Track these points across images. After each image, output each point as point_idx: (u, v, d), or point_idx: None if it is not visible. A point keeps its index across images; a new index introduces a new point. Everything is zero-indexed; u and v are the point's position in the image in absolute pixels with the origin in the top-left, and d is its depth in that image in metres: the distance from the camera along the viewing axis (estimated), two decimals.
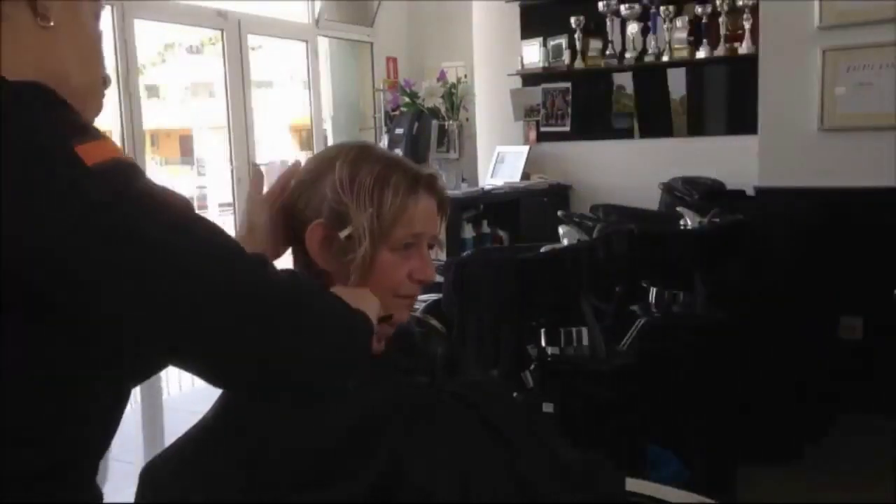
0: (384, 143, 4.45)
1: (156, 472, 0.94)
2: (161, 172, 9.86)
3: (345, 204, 1.02)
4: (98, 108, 0.91)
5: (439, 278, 2.22)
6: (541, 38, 4.76)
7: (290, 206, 1.08)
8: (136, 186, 0.75)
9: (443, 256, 3.78)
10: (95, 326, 0.75)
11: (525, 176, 4.62)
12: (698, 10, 4.20)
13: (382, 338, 1.12)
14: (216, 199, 6.33)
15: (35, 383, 0.75)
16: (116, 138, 4.67)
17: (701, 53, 4.22)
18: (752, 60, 3.67)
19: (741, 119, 4.09)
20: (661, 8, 4.28)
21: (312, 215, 1.04)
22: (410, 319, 1.19)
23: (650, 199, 3.75)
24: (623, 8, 4.39)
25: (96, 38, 0.91)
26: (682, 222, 2.68)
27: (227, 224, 5.17)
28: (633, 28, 4.43)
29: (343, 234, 1.02)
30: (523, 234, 4.25)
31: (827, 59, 3.22)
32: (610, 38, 4.53)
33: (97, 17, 0.92)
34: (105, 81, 0.93)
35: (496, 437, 1.06)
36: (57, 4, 0.83)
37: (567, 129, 4.81)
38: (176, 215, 0.77)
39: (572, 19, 4.53)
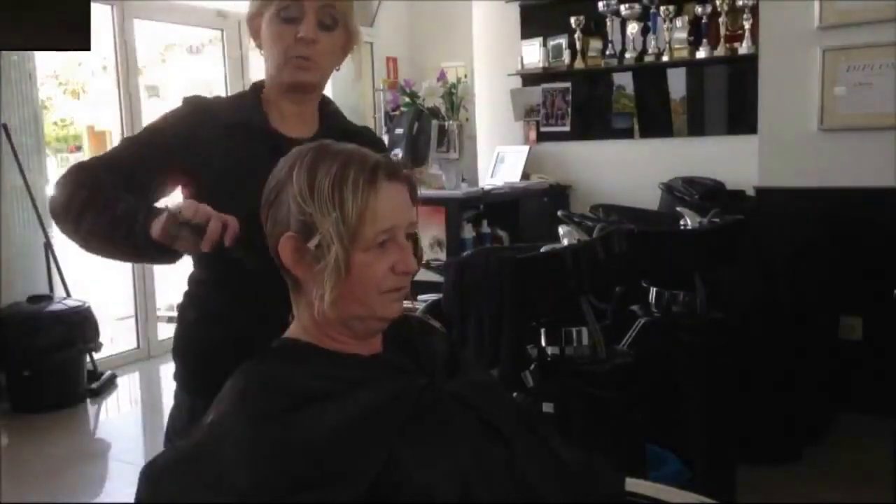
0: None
1: (156, 472, 0.94)
2: None
3: (308, 213, 1.00)
4: (288, 77, 1.34)
5: (439, 278, 2.22)
6: (541, 38, 4.76)
7: (263, 224, 1.08)
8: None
9: (443, 256, 3.79)
10: None
11: (525, 176, 4.63)
12: (698, 10, 4.20)
13: (378, 333, 1.10)
14: None
15: None
16: (116, 138, 4.67)
17: (701, 53, 4.22)
18: (752, 60, 3.67)
19: (741, 119, 4.09)
20: (661, 8, 4.29)
21: (282, 230, 1.03)
22: (411, 319, 1.19)
23: (650, 199, 3.75)
24: (623, 8, 4.39)
25: (274, 35, 1.32)
26: (682, 222, 2.67)
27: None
28: (633, 28, 4.43)
29: (312, 243, 1.00)
30: (523, 234, 4.24)
31: (827, 59, 3.22)
32: (610, 38, 4.53)
33: (279, 16, 1.30)
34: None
35: (496, 437, 1.06)
36: (257, 33, 1.37)
37: (567, 129, 4.81)
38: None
39: (572, 19, 4.54)
